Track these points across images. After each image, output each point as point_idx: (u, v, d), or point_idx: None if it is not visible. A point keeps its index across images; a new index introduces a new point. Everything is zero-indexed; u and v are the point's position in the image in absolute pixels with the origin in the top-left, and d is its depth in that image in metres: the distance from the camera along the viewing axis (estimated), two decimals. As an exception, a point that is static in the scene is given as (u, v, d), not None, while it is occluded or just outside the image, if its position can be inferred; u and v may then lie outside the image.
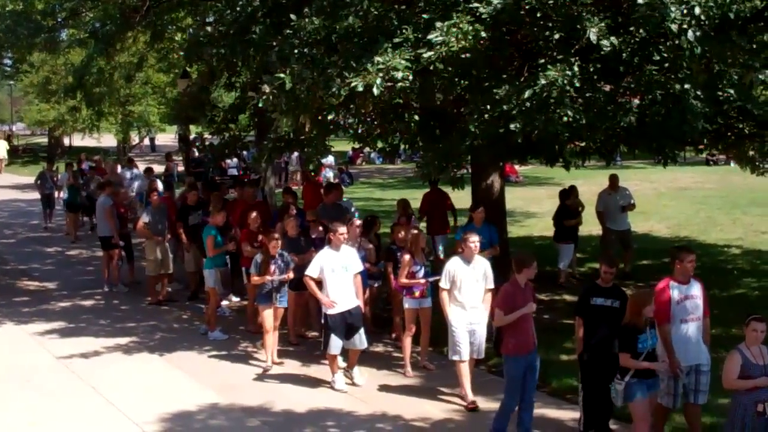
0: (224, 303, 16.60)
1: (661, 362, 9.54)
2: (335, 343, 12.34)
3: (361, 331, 12.54)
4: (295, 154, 30.75)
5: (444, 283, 11.69)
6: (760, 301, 16.02)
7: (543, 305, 14.51)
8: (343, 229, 12.69)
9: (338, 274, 12.44)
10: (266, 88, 12.29)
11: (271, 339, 13.30)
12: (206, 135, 19.20)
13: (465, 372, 11.65)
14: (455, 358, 11.67)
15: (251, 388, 12.66)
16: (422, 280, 12.92)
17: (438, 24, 11.57)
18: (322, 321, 12.80)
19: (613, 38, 11.39)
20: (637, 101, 12.03)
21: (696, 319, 10.06)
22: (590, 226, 21.28)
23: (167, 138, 61.07)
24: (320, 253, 12.70)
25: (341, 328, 12.35)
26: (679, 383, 9.93)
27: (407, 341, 13.08)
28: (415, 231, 13.54)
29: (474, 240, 11.72)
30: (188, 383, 12.97)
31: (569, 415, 11.04)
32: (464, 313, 11.59)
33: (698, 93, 11.93)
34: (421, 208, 18.76)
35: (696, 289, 10.15)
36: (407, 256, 12.95)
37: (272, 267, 13.30)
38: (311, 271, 12.54)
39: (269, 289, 13.32)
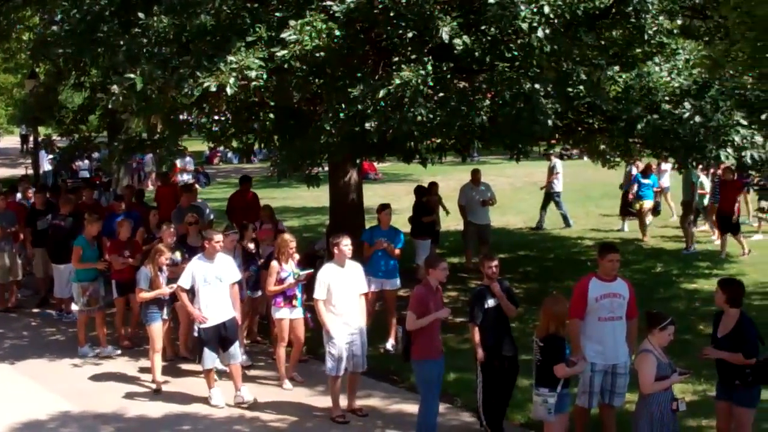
0: (74, 308, 16.02)
1: (581, 362, 9.27)
2: (209, 357, 11.74)
3: (236, 344, 11.94)
4: (150, 154, 30.21)
5: (319, 293, 11.16)
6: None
7: (401, 301, 14.53)
8: (218, 237, 12.04)
9: (212, 286, 11.75)
10: (116, 89, 12.00)
11: (160, 358, 12.61)
12: (55, 137, 18.65)
13: (338, 388, 11.24)
14: (332, 373, 11.18)
15: (104, 394, 12.33)
16: (289, 284, 12.34)
17: (291, 22, 11.53)
18: (195, 334, 12.46)
19: (465, 37, 11.54)
20: (488, 101, 12.15)
21: (617, 319, 9.72)
22: (448, 221, 21.49)
23: (12, 140, 59.17)
24: (192, 262, 12.04)
25: (215, 341, 11.76)
26: (595, 381, 9.69)
27: (280, 352, 12.56)
28: (286, 236, 12.82)
29: (347, 243, 11.33)
30: (39, 391, 12.55)
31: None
32: (343, 323, 11.15)
33: (549, 90, 12.16)
34: (229, 208, 18.42)
35: (621, 289, 9.82)
36: (274, 263, 12.48)
37: (161, 280, 12.63)
38: (183, 281, 11.86)
39: (161, 304, 12.64)
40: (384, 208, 14.34)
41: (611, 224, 24.36)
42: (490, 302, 10.30)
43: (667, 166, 23.18)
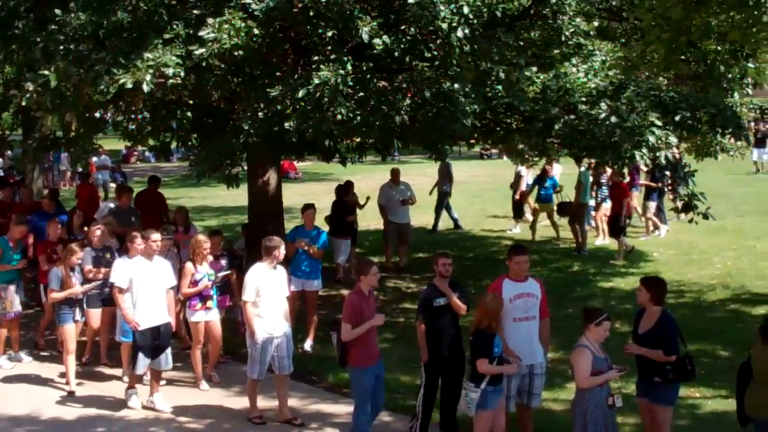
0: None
1: (514, 363, 9.30)
2: (143, 363, 11.39)
3: (168, 351, 11.59)
4: (65, 153, 29.72)
5: (248, 295, 10.80)
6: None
7: (320, 300, 14.49)
8: (156, 236, 11.62)
9: (149, 287, 11.33)
10: (30, 86, 11.77)
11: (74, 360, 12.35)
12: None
13: (256, 390, 11.04)
14: (253, 376, 10.93)
15: (18, 397, 12.10)
16: (204, 286, 12.19)
17: (210, 20, 11.44)
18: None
19: (385, 37, 11.57)
20: (408, 101, 12.17)
21: (531, 319, 9.69)
22: (368, 220, 21.53)
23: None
24: (125, 261, 11.58)
25: (149, 345, 11.37)
26: (512, 385, 9.61)
27: (196, 353, 12.31)
28: (200, 237, 12.62)
29: (284, 250, 11.21)
30: (-51, 395, 12.28)
31: (346, 409, 11.00)
32: (270, 326, 10.87)
33: (468, 90, 12.22)
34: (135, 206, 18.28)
35: (533, 288, 9.78)
36: (188, 264, 12.26)
37: (73, 279, 12.31)
38: (120, 281, 11.38)
39: (74, 304, 12.34)
40: (308, 208, 14.18)
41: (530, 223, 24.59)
42: (440, 301, 10.15)
43: (557, 168, 23.38)
